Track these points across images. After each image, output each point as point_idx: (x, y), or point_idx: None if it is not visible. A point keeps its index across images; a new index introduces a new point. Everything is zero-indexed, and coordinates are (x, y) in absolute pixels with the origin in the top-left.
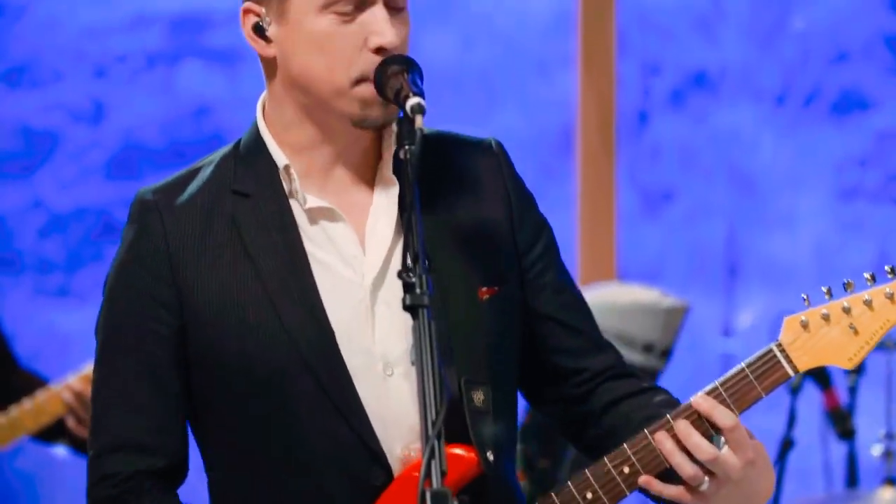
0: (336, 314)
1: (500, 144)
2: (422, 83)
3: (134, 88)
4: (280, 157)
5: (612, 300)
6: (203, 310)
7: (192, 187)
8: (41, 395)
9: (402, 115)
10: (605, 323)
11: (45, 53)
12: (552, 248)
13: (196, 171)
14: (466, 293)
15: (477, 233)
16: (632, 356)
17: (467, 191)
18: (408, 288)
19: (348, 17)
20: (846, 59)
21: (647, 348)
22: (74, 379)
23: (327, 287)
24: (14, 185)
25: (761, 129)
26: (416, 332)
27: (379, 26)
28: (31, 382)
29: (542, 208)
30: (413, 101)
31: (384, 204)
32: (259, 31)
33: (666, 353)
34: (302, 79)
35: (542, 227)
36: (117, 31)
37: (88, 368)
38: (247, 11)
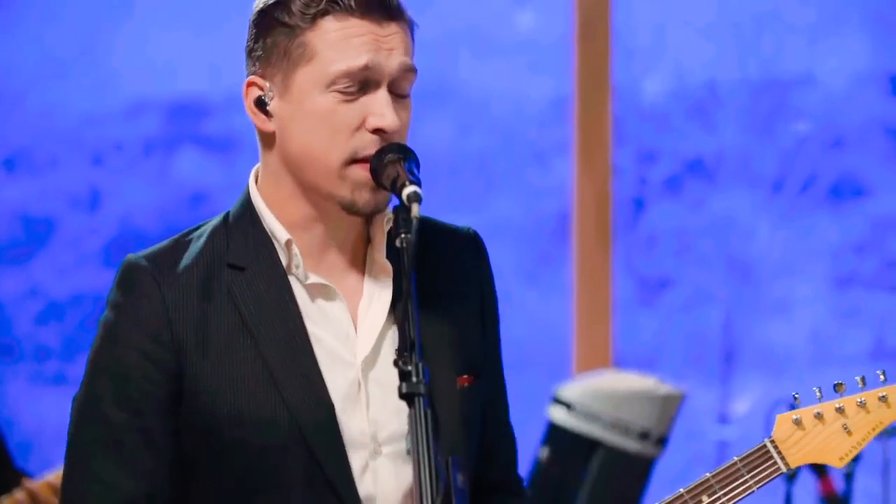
0: (333, 391)
1: (478, 235)
2: (418, 171)
3: (130, 175)
4: (281, 232)
5: (608, 388)
6: (201, 378)
7: (186, 258)
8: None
9: (398, 202)
10: (601, 410)
11: (43, 140)
12: (498, 345)
13: (186, 242)
14: (448, 379)
15: (457, 322)
16: (628, 443)
17: (448, 278)
18: (404, 376)
19: (351, 97)
20: (843, 145)
21: (644, 436)
22: (38, 483)
23: (325, 363)
24: (11, 272)
25: (758, 216)
26: (413, 420)
27: (380, 108)
28: (20, 483)
29: (539, 295)
30: (409, 189)
31: (377, 287)
32: (261, 104)
33: (662, 441)
34: (299, 156)
35: (497, 323)
36: (114, 119)
37: (50, 475)
38: (250, 84)
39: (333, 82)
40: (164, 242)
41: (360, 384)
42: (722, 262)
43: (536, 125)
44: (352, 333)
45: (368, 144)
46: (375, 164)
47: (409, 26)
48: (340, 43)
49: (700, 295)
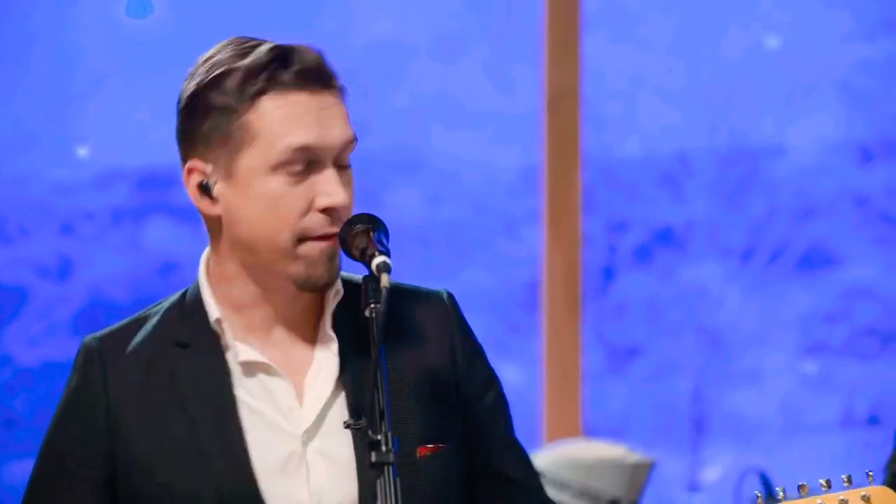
0: (264, 463)
1: (451, 296)
2: (387, 241)
3: (101, 245)
4: (213, 311)
5: (578, 456)
6: (135, 457)
7: (139, 336)
8: None
9: (368, 272)
10: (571, 478)
11: (12, 210)
12: (501, 403)
13: (143, 320)
14: (404, 450)
15: (421, 388)
16: None
17: (412, 344)
18: (373, 445)
19: (298, 177)
20: (813, 215)
21: (613, 503)
22: None
23: (258, 437)
24: None
25: (728, 286)
26: (382, 489)
27: (329, 187)
28: None
29: (509, 364)
30: (379, 259)
31: (324, 359)
32: (205, 189)
33: None
34: (248, 238)
35: (491, 383)
36: (84, 188)
37: None
38: (191, 170)
39: (278, 164)
40: (124, 321)
41: (300, 456)
42: (692, 332)
43: (506, 195)
44: (295, 405)
45: (318, 224)
46: (344, 233)
47: (342, 93)
48: (281, 122)
49: (670, 364)
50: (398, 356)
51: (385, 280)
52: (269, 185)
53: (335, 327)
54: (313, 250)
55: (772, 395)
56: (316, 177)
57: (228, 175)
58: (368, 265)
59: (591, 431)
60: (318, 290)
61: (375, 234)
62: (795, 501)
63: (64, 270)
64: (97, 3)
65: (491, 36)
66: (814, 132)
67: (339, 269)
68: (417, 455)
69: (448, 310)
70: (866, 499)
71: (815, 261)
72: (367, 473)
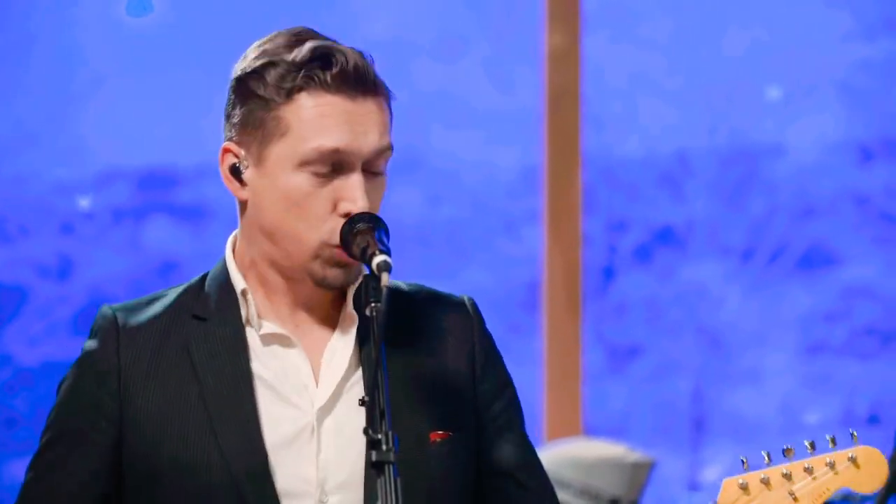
0: (275, 438)
1: (473, 303)
2: (388, 241)
3: (101, 244)
4: (239, 282)
5: (578, 455)
6: (143, 424)
7: (155, 308)
8: None
9: (368, 271)
10: (572, 477)
11: (12, 209)
12: (515, 406)
13: (162, 296)
14: (413, 435)
15: (435, 380)
16: None
17: (431, 341)
18: (373, 444)
19: (324, 178)
20: (813, 214)
21: (613, 503)
22: None
23: (271, 411)
24: None
25: (728, 285)
26: (382, 488)
27: (352, 193)
28: None
29: (509, 364)
30: (379, 258)
31: (343, 338)
32: (236, 172)
33: None
34: (270, 228)
35: (506, 386)
36: (84, 188)
37: None
38: (226, 150)
39: (306, 162)
40: (143, 297)
41: (313, 430)
42: (692, 331)
43: (506, 194)
44: (310, 382)
45: (339, 231)
46: (345, 232)
47: (387, 101)
48: (314, 121)
49: (670, 363)
50: (418, 351)
51: (385, 279)
52: (294, 180)
53: (357, 308)
54: (332, 254)
55: (772, 394)
56: (342, 181)
57: (258, 162)
58: (369, 264)
59: (592, 431)
60: (334, 290)
61: (376, 233)
62: (783, 466)
63: (63, 270)
64: (97, 3)
65: (491, 36)
66: (814, 132)
67: (360, 273)
68: (428, 440)
69: (470, 315)
70: (853, 459)
71: (815, 260)
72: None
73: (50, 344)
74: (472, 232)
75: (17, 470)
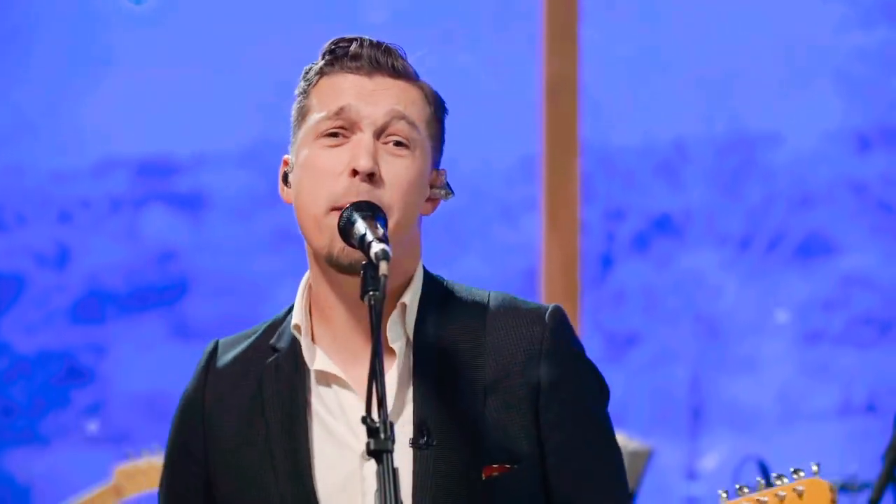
0: (327, 481)
1: (554, 314)
2: (386, 230)
3: (98, 233)
4: (296, 315)
5: None
6: (221, 463)
7: (247, 342)
8: None
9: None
10: None
11: (11, 198)
12: (586, 429)
13: (259, 328)
14: (468, 470)
15: (494, 409)
16: None
17: (497, 364)
18: (372, 433)
19: (336, 142)
20: (810, 203)
21: None
22: None
23: (325, 452)
24: None
25: (725, 274)
26: (380, 477)
27: (356, 150)
28: None
29: None
30: (377, 247)
31: (401, 369)
32: (285, 179)
33: (629, 497)
34: (299, 214)
35: (577, 408)
36: (82, 176)
37: None
38: (284, 163)
39: (319, 131)
40: (251, 328)
41: (359, 474)
42: (689, 319)
43: (504, 183)
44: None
45: (346, 189)
46: (343, 222)
47: (418, 88)
48: (327, 93)
49: (667, 351)
50: (481, 373)
51: (384, 268)
52: (311, 152)
53: (419, 339)
54: (334, 222)
55: (769, 383)
56: (351, 143)
57: (296, 157)
58: (367, 253)
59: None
60: (346, 270)
61: (374, 222)
62: (744, 498)
63: (61, 259)
64: None
65: (490, 24)
66: (811, 120)
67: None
68: (483, 475)
69: (545, 331)
70: (799, 492)
71: (812, 249)
72: (421, 495)
73: (47, 332)
74: (470, 220)
75: (15, 458)
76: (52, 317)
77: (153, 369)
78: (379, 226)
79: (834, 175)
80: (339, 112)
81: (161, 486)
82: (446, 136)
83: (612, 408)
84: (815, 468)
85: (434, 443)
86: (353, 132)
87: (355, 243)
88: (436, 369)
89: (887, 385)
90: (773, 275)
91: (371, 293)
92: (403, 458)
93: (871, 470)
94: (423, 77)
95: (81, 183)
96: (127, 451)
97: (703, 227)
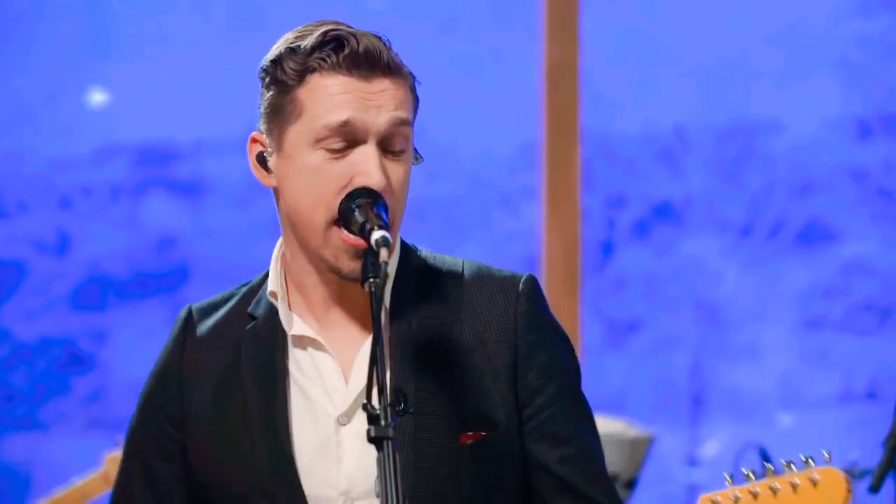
0: (304, 444)
1: (527, 282)
2: (387, 216)
3: (99, 220)
4: (271, 283)
5: None
6: (198, 429)
7: (224, 309)
8: None
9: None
10: None
11: (11, 185)
12: (563, 394)
13: (234, 293)
14: (445, 437)
15: (471, 376)
16: None
17: (473, 331)
18: (372, 420)
19: (339, 154)
20: (811, 190)
21: (612, 479)
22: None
23: (302, 416)
24: None
25: (726, 261)
26: (381, 463)
27: (366, 166)
28: None
29: None
30: (377, 234)
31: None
32: (262, 161)
33: (630, 484)
34: (292, 213)
35: (555, 375)
36: (82, 163)
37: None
38: (254, 140)
39: (319, 139)
40: (224, 292)
41: (336, 438)
42: (690, 306)
43: (505, 170)
44: (341, 386)
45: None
46: (344, 208)
47: (407, 82)
48: (325, 99)
49: (668, 338)
50: (457, 340)
51: (384, 255)
52: (309, 159)
53: (396, 309)
54: (339, 242)
55: (770, 370)
56: (356, 155)
57: (279, 148)
58: (367, 240)
59: (590, 406)
60: (351, 280)
61: (375, 208)
62: (756, 483)
63: (62, 245)
64: None
65: (490, 11)
66: (811, 107)
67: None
68: (460, 442)
69: (519, 298)
70: (814, 481)
71: (813, 236)
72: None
73: (48, 319)
74: (471, 208)
75: (15, 445)
76: (53, 303)
77: (154, 356)
78: (380, 212)
79: (834, 162)
80: (343, 126)
81: (130, 448)
82: (444, 126)
83: (613, 395)
84: (826, 456)
85: (411, 410)
86: (355, 142)
87: (355, 230)
88: (413, 337)
89: (888, 372)
90: (774, 262)
91: (371, 279)
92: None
93: (871, 457)
94: (422, 64)
95: (82, 170)
96: (118, 438)
97: (703, 215)
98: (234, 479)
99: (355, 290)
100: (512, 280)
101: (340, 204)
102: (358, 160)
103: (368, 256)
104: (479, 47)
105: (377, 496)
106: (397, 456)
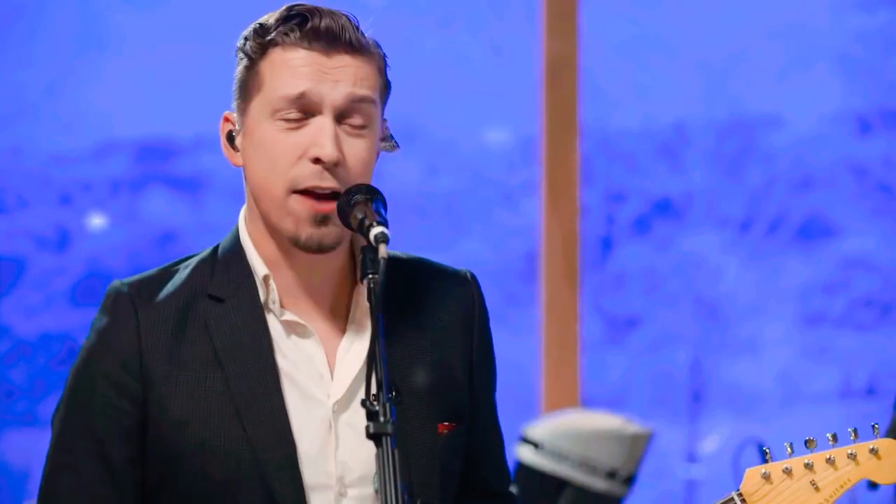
0: (300, 431)
1: (474, 278)
2: (385, 212)
3: (99, 215)
4: (260, 267)
5: (575, 427)
6: (168, 408)
7: (169, 287)
8: None
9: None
10: (569, 449)
11: (11, 180)
12: (493, 390)
13: (173, 272)
14: (426, 425)
15: (441, 367)
16: (595, 482)
17: (437, 322)
18: (371, 416)
19: (295, 125)
20: (811, 185)
21: (611, 475)
22: None
23: (295, 402)
24: None
25: (726, 256)
26: (380, 459)
27: (319, 138)
28: None
29: (507, 334)
30: (377, 230)
31: (359, 329)
32: (230, 139)
33: (630, 480)
34: (256, 188)
35: (494, 372)
36: (82, 159)
37: None
38: (225, 119)
39: (276, 110)
40: (153, 270)
41: (330, 425)
42: (690, 302)
43: (504, 165)
44: (326, 374)
45: (308, 175)
46: (343, 204)
47: (372, 60)
48: (283, 71)
49: (668, 334)
50: (423, 333)
51: (383, 251)
52: (267, 131)
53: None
54: (300, 207)
55: (770, 365)
56: (311, 127)
57: (242, 124)
58: (366, 236)
59: (590, 402)
60: (313, 251)
61: (373, 204)
62: (805, 456)
63: (61, 241)
64: None
65: (489, 6)
66: (811, 103)
67: (340, 236)
68: (438, 431)
69: (473, 293)
70: (874, 451)
71: (813, 231)
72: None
73: (48, 315)
74: (470, 203)
75: (15, 441)
76: (53, 299)
77: None
78: (378, 209)
79: (834, 158)
80: (299, 97)
81: (77, 426)
82: (444, 122)
83: (612, 391)
84: (876, 428)
85: (400, 400)
86: (312, 114)
87: (353, 226)
88: (385, 330)
89: (887, 368)
90: (774, 257)
91: (371, 276)
92: (360, 417)
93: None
94: (421, 59)
95: (82, 165)
96: None
97: (703, 210)
98: (222, 467)
99: (328, 274)
100: (463, 275)
101: (339, 200)
102: (313, 132)
103: (367, 252)
104: (479, 42)
105: (376, 492)
106: (396, 451)
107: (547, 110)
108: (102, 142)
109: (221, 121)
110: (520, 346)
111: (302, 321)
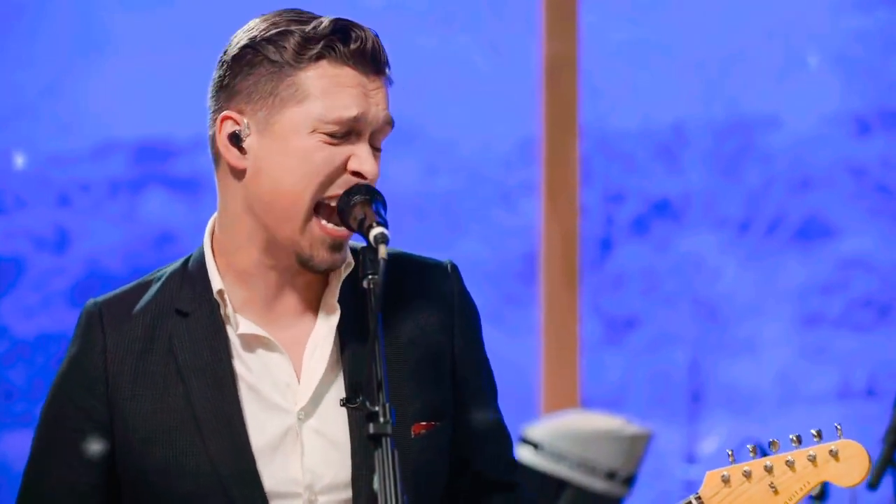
0: (260, 440)
1: (455, 268)
2: (385, 213)
3: (97, 216)
4: (216, 281)
5: (575, 427)
6: (133, 429)
7: (141, 303)
8: None
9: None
10: (568, 450)
11: (9, 181)
12: (489, 385)
13: (145, 285)
14: (398, 429)
15: (419, 365)
16: (594, 483)
17: (413, 319)
18: (371, 417)
19: (335, 141)
20: (809, 186)
21: (610, 475)
22: None
23: (254, 412)
24: None
25: (724, 257)
26: (380, 461)
27: (364, 155)
28: None
29: (506, 335)
30: (376, 230)
31: (324, 333)
32: (235, 140)
33: (629, 480)
34: (269, 194)
35: (483, 363)
36: (81, 159)
37: None
38: (226, 119)
39: (322, 127)
40: (127, 286)
41: (296, 433)
42: (688, 303)
43: (503, 166)
44: (293, 382)
45: (342, 184)
46: (342, 204)
47: (390, 82)
48: (334, 90)
49: (667, 335)
50: (399, 331)
51: (383, 251)
52: (307, 142)
53: (344, 301)
54: (319, 232)
55: (768, 366)
56: (351, 147)
57: (264, 129)
58: (366, 236)
59: (589, 403)
60: (318, 273)
61: (373, 205)
62: (766, 459)
63: (60, 242)
64: None
65: (488, 5)
66: (810, 103)
67: (346, 258)
68: (412, 434)
69: (451, 284)
70: (834, 453)
71: (811, 232)
72: (362, 454)
73: (46, 316)
74: (469, 203)
75: (14, 442)
76: (51, 300)
77: None
78: (378, 209)
79: (833, 158)
80: (352, 120)
81: (46, 453)
82: (443, 121)
83: (611, 392)
84: (839, 429)
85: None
86: (352, 132)
87: (354, 225)
88: (362, 329)
89: (886, 368)
90: (772, 258)
91: (371, 276)
92: (338, 417)
93: (870, 453)
94: (420, 59)
95: (80, 166)
96: None
97: (702, 211)
98: (184, 481)
99: (302, 283)
100: (442, 268)
101: (339, 200)
102: (353, 150)
103: (367, 253)
104: (478, 42)
105: (376, 492)
106: (395, 453)
107: (546, 110)
108: (101, 142)
109: (219, 120)
110: (519, 347)
111: (264, 333)
